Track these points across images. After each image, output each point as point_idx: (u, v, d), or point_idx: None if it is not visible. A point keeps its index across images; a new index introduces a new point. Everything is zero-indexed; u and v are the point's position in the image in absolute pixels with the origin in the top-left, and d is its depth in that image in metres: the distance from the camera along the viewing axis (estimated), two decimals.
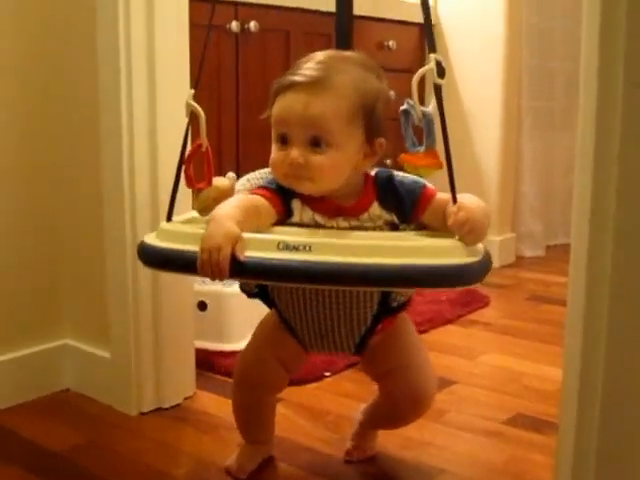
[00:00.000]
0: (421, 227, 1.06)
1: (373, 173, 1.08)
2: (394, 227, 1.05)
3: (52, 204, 1.54)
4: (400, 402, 1.16)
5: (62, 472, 1.25)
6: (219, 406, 1.47)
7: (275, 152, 1.03)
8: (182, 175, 1.11)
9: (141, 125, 1.40)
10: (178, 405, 1.49)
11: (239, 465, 1.22)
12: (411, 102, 1.03)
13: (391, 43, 2.55)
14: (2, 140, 1.46)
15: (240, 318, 1.73)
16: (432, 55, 0.97)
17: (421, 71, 0.99)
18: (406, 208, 1.04)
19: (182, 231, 1.02)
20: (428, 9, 1.01)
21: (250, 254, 0.91)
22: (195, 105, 1.09)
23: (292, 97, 1.01)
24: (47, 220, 1.53)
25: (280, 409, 1.34)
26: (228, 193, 1.09)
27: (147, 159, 1.42)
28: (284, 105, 1.01)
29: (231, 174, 1.14)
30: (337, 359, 1.64)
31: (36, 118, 1.50)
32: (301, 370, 1.27)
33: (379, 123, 1.03)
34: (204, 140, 1.10)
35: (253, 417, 1.23)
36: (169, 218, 1.11)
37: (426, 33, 1.02)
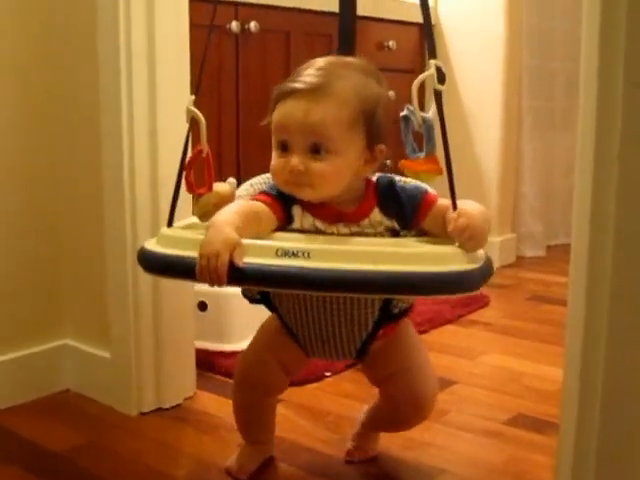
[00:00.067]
0: (422, 233, 1.05)
1: (374, 179, 1.08)
2: (395, 233, 1.05)
3: (52, 204, 1.54)
4: (401, 406, 1.16)
5: (62, 472, 1.25)
6: (219, 406, 1.47)
7: (275, 159, 1.03)
8: (182, 180, 1.11)
9: (141, 125, 1.40)
10: (178, 405, 1.49)
11: (239, 465, 1.23)
12: (411, 108, 1.03)
13: (391, 43, 2.55)
14: (2, 140, 1.46)
15: (240, 318, 1.73)
16: (432, 61, 0.97)
17: (421, 77, 0.99)
18: (407, 214, 1.04)
19: (182, 237, 1.02)
20: (428, 15, 1.01)
21: (249, 260, 0.91)
22: (195, 111, 1.10)
23: (292, 104, 1.00)
24: (47, 220, 1.54)
25: (280, 409, 1.34)
26: (228, 199, 1.09)
27: (147, 159, 1.42)
28: (284, 112, 1.01)
29: (231, 179, 1.14)
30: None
31: (36, 118, 1.50)
32: (301, 373, 1.27)
33: (380, 129, 1.03)
34: (204, 146, 1.10)
35: (253, 418, 1.23)
36: (170, 224, 1.11)
37: (426, 39, 1.01)
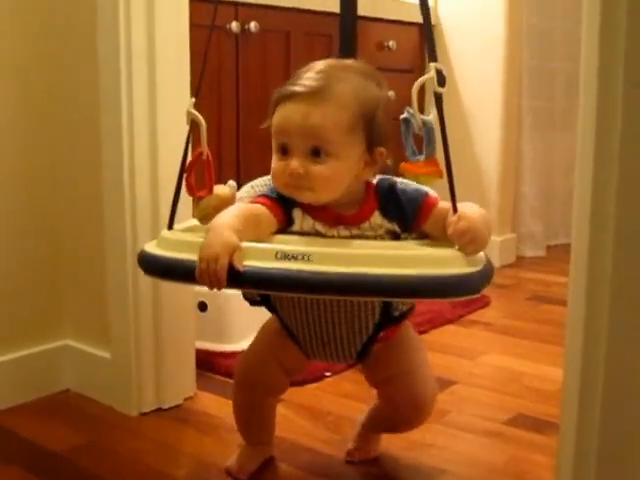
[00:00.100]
0: (422, 236, 1.05)
1: (375, 181, 1.08)
2: (395, 236, 1.05)
3: (52, 204, 1.54)
4: (401, 408, 1.16)
5: (62, 472, 1.25)
6: (220, 407, 1.47)
7: (275, 162, 1.03)
8: (183, 183, 1.11)
9: (141, 125, 1.40)
10: (178, 406, 1.49)
11: (240, 466, 1.22)
12: (411, 111, 1.03)
13: (391, 43, 2.55)
14: (2, 140, 1.46)
15: (240, 319, 1.73)
16: (432, 64, 0.97)
17: (421, 80, 0.98)
18: (408, 217, 1.04)
19: (182, 240, 1.02)
20: (429, 16, 1.01)
21: (248, 263, 0.91)
22: (196, 113, 1.10)
23: (292, 107, 1.00)
24: (47, 220, 1.53)
25: (280, 409, 1.34)
26: (229, 201, 1.09)
27: (147, 159, 1.42)
28: (284, 115, 1.01)
29: (232, 182, 1.15)
30: None
31: (36, 118, 1.50)
32: (301, 374, 1.27)
33: (380, 131, 1.03)
34: (205, 148, 1.10)
35: (253, 418, 1.23)
36: (170, 226, 1.11)
37: (426, 40, 1.01)
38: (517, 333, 1.99)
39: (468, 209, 0.98)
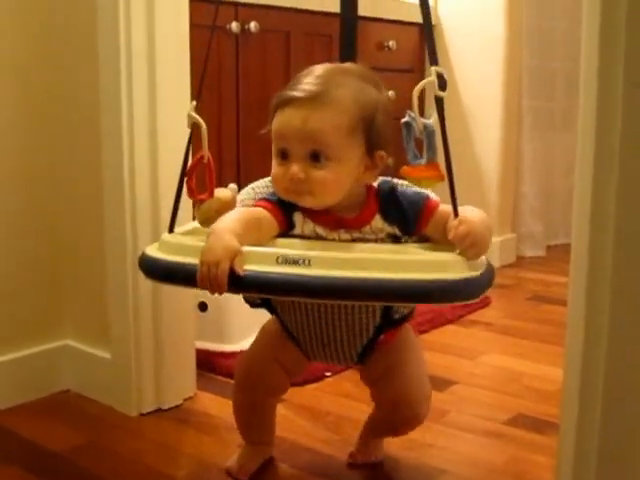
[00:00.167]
0: (423, 239, 1.05)
1: (375, 184, 1.08)
2: (396, 239, 1.05)
3: (52, 204, 1.54)
4: (394, 406, 1.15)
5: (62, 473, 1.25)
6: (220, 407, 1.47)
7: (275, 167, 1.03)
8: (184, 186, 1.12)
9: (141, 126, 1.40)
10: (178, 406, 1.49)
11: (240, 466, 1.22)
12: (412, 114, 1.02)
13: (391, 43, 2.55)
14: (3, 140, 1.46)
15: (241, 319, 1.73)
16: (433, 68, 0.97)
17: (422, 83, 0.98)
18: (409, 221, 1.04)
19: (183, 244, 1.02)
20: (429, 19, 1.00)
21: (249, 268, 0.91)
22: (197, 117, 1.10)
23: (291, 112, 1.00)
24: (47, 220, 1.53)
25: (280, 410, 1.34)
26: (230, 204, 1.09)
27: (147, 159, 1.42)
28: (283, 120, 1.01)
29: (233, 185, 1.15)
30: None
31: (36, 118, 1.50)
32: (302, 375, 1.27)
33: (379, 135, 1.03)
34: (206, 152, 1.11)
35: (254, 418, 1.23)
36: (171, 229, 1.11)
37: (427, 43, 1.01)
38: (517, 333, 1.99)
39: (469, 213, 0.98)
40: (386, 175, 1.10)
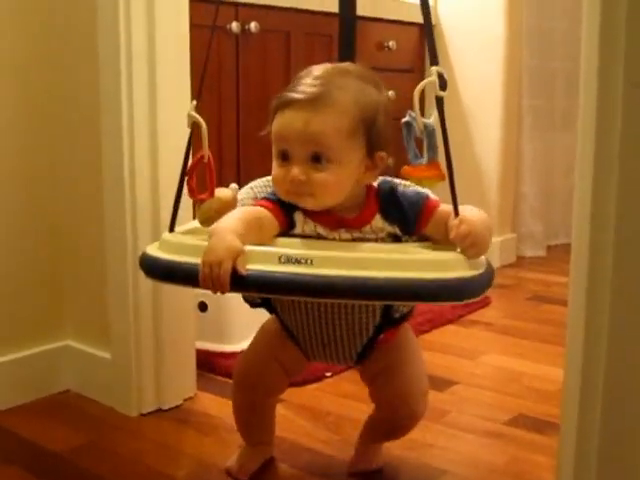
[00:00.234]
0: (423, 239, 1.05)
1: (375, 184, 1.08)
2: (396, 238, 1.05)
3: (52, 205, 1.54)
4: (391, 403, 1.16)
5: (62, 473, 1.25)
6: (220, 407, 1.47)
7: (276, 168, 1.03)
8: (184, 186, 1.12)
9: (141, 126, 1.40)
10: (179, 406, 1.49)
11: (240, 466, 1.22)
12: (413, 114, 1.03)
13: (391, 43, 2.55)
14: (3, 140, 1.46)
15: (241, 319, 1.73)
16: (434, 68, 0.97)
17: (423, 83, 0.98)
18: (409, 220, 1.04)
19: (184, 243, 1.02)
20: (429, 19, 1.01)
21: (251, 267, 0.91)
22: (197, 116, 1.10)
23: (291, 114, 1.00)
24: (47, 221, 1.53)
25: (280, 410, 1.34)
26: (230, 204, 1.09)
27: (148, 160, 1.42)
28: (284, 122, 1.01)
29: (233, 185, 1.15)
30: None
31: (36, 118, 1.50)
32: (301, 375, 1.27)
33: (380, 135, 1.03)
34: (206, 151, 1.11)
35: (253, 418, 1.23)
36: (171, 229, 1.11)
37: (427, 43, 1.01)
38: (517, 333, 1.99)
39: (469, 212, 0.98)
40: (386, 175, 1.10)
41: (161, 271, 1.00)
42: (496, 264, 2.43)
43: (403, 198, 1.05)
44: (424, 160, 1.03)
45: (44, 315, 1.55)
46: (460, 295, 0.93)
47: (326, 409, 1.48)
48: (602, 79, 0.73)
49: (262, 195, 1.12)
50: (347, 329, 1.08)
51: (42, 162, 1.52)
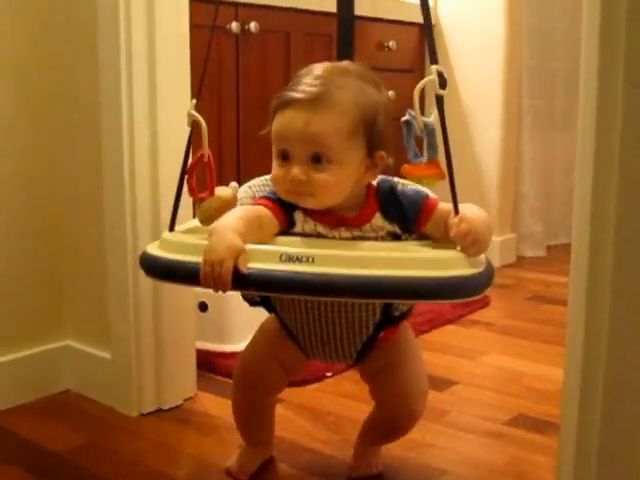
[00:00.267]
0: (422, 237, 1.06)
1: (375, 183, 1.08)
2: (396, 237, 1.05)
3: (52, 205, 1.54)
4: (390, 401, 1.16)
5: (62, 473, 1.25)
6: (220, 407, 1.47)
7: (276, 168, 1.03)
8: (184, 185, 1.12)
9: (142, 126, 1.40)
10: (179, 406, 1.49)
11: (240, 466, 1.23)
12: (413, 113, 1.03)
13: (391, 43, 2.55)
14: (3, 140, 1.46)
15: (241, 319, 1.73)
16: (434, 66, 0.97)
17: (423, 82, 0.98)
18: (409, 219, 1.04)
19: (185, 242, 1.02)
20: (429, 18, 1.01)
21: (253, 266, 0.91)
22: (197, 115, 1.10)
23: (292, 114, 1.00)
24: (48, 221, 1.53)
25: (281, 410, 1.34)
26: (230, 203, 1.09)
27: (148, 160, 1.42)
28: (284, 122, 1.01)
29: (233, 184, 1.14)
30: None
31: (36, 119, 1.50)
32: (301, 374, 1.27)
33: (380, 135, 1.03)
34: (206, 150, 1.10)
35: (253, 418, 1.23)
36: (171, 228, 1.11)
37: (427, 42, 1.01)
38: (517, 333, 1.99)
39: (468, 210, 0.99)
40: (386, 174, 1.10)
41: (161, 270, 1.00)
42: (496, 264, 2.42)
43: (403, 197, 1.05)
44: (424, 159, 1.03)
45: (44, 315, 1.55)
46: (461, 293, 0.93)
47: (326, 409, 1.48)
48: (602, 79, 0.73)
49: (260, 194, 1.12)
50: (347, 327, 1.08)
51: (42, 162, 1.52)
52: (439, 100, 0.98)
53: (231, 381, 1.25)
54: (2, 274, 1.47)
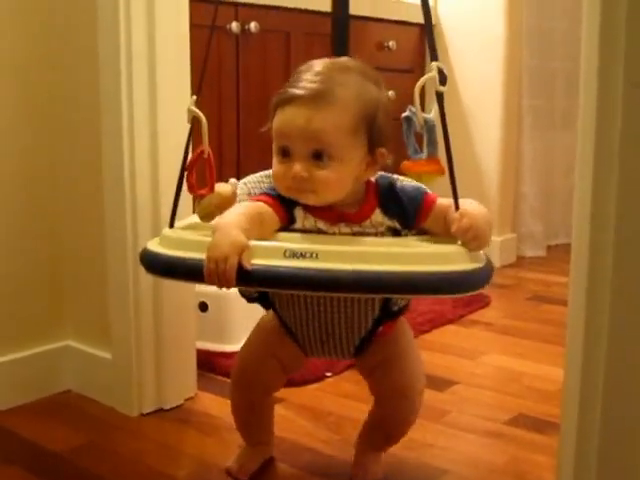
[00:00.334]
0: (422, 232, 1.06)
1: (374, 179, 1.08)
2: (396, 232, 1.06)
3: (52, 205, 1.54)
4: (388, 396, 1.16)
5: (62, 473, 1.25)
6: (220, 407, 1.47)
7: (277, 165, 1.03)
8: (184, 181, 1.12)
9: (142, 126, 1.40)
10: (179, 406, 1.49)
11: (240, 466, 1.23)
12: (413, 109, 1.03)
13: (391, 43, 2.55)
14: (3, 140, 1.46)
15: (241, 319, 1.73)
16: (434, 63, 0.97)
17: (423, 79, 0.99)
18: (408, 215, 1.05)
19: (185, 238, 1.02)
20: (429, 16, 1.01)
21: (256, 262, 0.91)
22: (197, 111, 1.10)
23: (293, 111, 1.00)
24: (48, 221, 1.53)
25: (281, 410, 1.34)
26: (230, 199, 1.09)
27: (148, 160, 1.42)
28: (285, 119, 1.01)
29: (233, 180, 1.14)
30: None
31: (36, 119, 1.50)
32: (300, 372, 1.27)
33: (380, 132, 1.03)
34: (206, 147, 1.10)
35: (252, 418, 1.23)
36: (171, 224, 1.11)
37: (427, 39, 1.01)
38: (518, 333, 1.99)
39: (469, 206, 0.99)
40: (386, 170, 1.11)
41: (162, 267, 1.00)
42: (496, 264, 2.42)
43: (402, 193, 1.06)
44: (424, 155, 1.04)
45: (44, 315, 1.55)
46: (462, 288, 0.94)
47: (327, 409, 1.48)
48: (602, 79, 0.73)
49: (256, 191, 1.13)
50: (346, 323, 1.08)
51: (42, 162, 1.52)
52: (439, 97, 0.98)
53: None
54: (2, 274, 1.47)
